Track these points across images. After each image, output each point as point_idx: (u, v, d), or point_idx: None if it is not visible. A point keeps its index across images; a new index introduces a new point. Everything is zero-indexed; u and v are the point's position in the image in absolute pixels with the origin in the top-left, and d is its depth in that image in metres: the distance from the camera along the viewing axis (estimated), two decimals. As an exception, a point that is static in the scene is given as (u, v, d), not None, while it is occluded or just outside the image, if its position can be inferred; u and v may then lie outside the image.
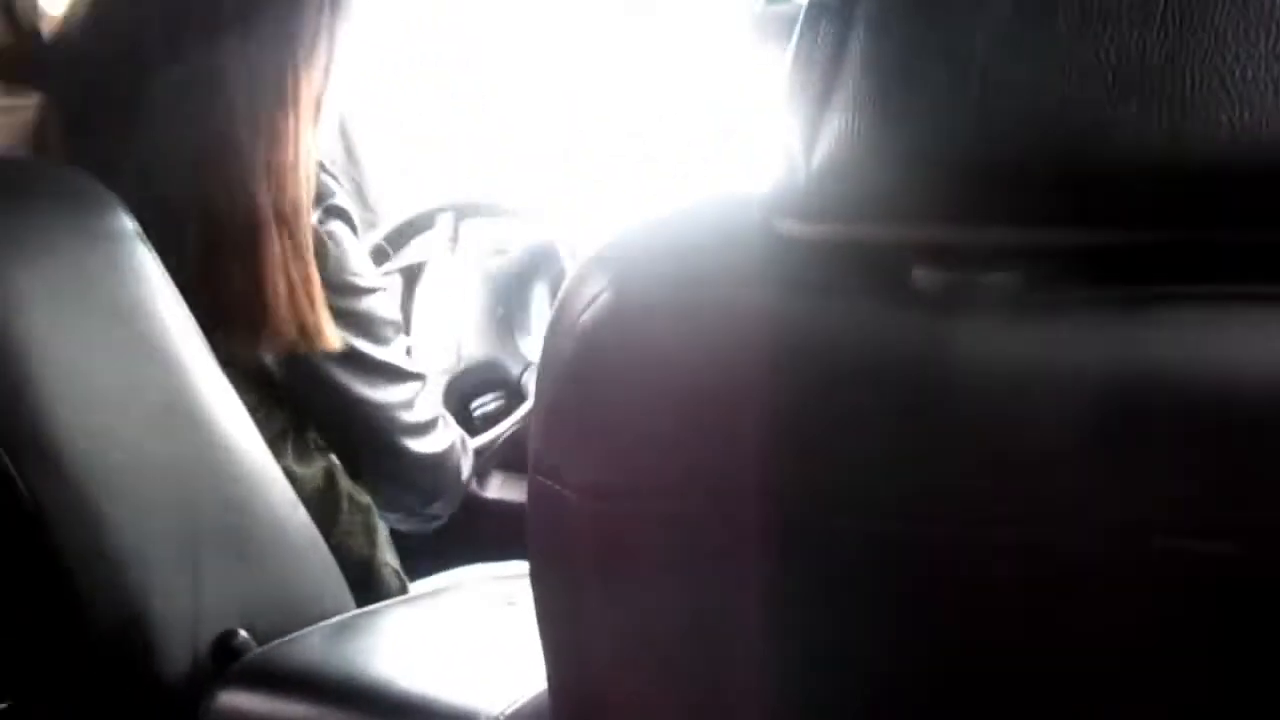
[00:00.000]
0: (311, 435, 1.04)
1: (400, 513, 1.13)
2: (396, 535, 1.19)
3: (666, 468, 0.47)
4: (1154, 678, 0.40)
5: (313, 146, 0.96)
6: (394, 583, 1.10)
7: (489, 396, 1.48)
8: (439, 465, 1.06)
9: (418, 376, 1.04)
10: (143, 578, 0.78)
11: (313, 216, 0.94)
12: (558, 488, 0.49)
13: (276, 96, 0.92)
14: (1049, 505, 0.40)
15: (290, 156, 0.91)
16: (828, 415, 0.44)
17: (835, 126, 0.41)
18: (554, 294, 1.56)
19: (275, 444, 0.92)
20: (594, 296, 0.47)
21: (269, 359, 0.95)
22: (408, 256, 1.77)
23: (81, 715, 0.83)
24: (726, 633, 0.48)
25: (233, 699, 0.77)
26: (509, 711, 0.72)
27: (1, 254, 0.71)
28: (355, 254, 0.98)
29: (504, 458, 1.47)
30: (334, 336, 0.93)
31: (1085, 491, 0.39)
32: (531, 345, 1.48)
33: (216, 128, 0.90)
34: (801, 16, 0.44)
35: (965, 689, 0.43)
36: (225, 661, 0.82)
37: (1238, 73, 0.36)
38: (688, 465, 0.46)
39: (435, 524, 1.25)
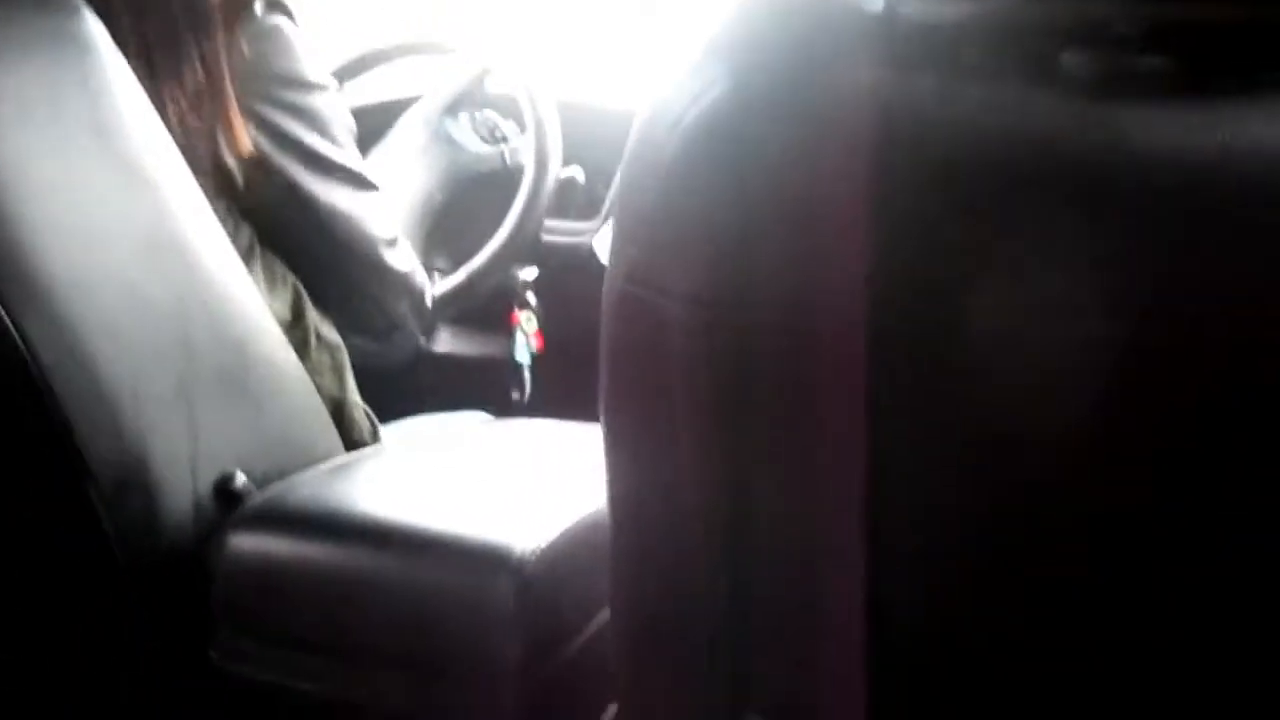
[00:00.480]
0: (277, 261, 0.99)
1: (368, 334, 1.11)
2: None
3: (781, 276, 0.44)
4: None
5: None
6: (365, 424, 1.07)
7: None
8: (408, 281, 1.05)
9: (376, 188, 1.01)
10: (139, 420, 0.74)
11: (255, 8, 0.89)
12: (656, 297, 0.46)
13: None
14: (1233, 290, 0.38)
15: None
16: (973, 209, 0.41)
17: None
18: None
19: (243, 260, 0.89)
20: (703, 90, 0.44)
21: (232, 164, 0.90)
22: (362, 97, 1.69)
23: (85, 565, 0.78)
24: (824, 460, 0.47)
25: (245, 542, 0.74)
26: (543, 546, 0.70)
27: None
28: (301, 48, 0.94)
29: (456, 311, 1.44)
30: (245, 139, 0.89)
31: (1250, 277, 0.38)
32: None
33: None
34: None
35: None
36: (227, 504, 0.78)
37: None
38: (806, 274, 0.43)
39: (401, 353, 1.22)
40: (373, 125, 1.70)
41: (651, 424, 0.50)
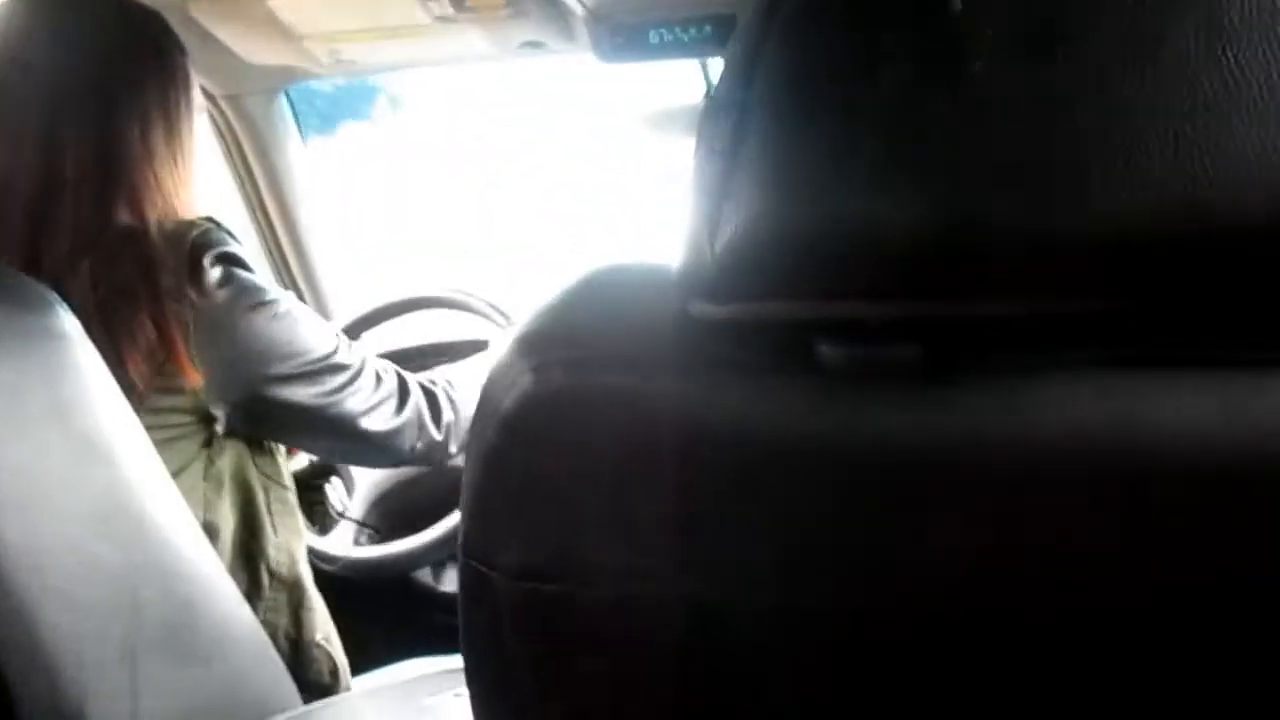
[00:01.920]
0: (254, 496, 1.05)
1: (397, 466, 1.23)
2: (352, 626, 1.19)
3: (590, 550, 0.47)
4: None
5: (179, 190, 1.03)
6: (325, 663, 1.09)
7: None
8: (402, 432, 1.10)
9: (356, 365, 1.07)
10: (79, 680, 0.77)
11: (206, 261, 0.98)
12: (486, 571, 0.50)
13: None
14: (957, 571, 0.41)
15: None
16: (745, 495, 0.45)
17: (736, 210, 0.43)
18: None
19: (212, 495, 0.96)
20: (513, 381, 0.48)
21: (211, 404, 0.99)
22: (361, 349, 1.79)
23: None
24: (655, 715, 0.48)
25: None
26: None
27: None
28: (254, 281, 1.02)
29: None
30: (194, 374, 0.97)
31: (995, 555, 0.41)
32: None
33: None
34: (703, 109, 0.46)
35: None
36: (165, 766, 0.80)
37: (1123, 153, 0.39)
38: (611, 548, 0.47)
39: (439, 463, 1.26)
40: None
41: (496, 685, 0.52)
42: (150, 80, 1.04)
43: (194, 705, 0.84)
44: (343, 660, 1.10)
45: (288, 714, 0.89)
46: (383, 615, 1.54)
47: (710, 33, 1.41)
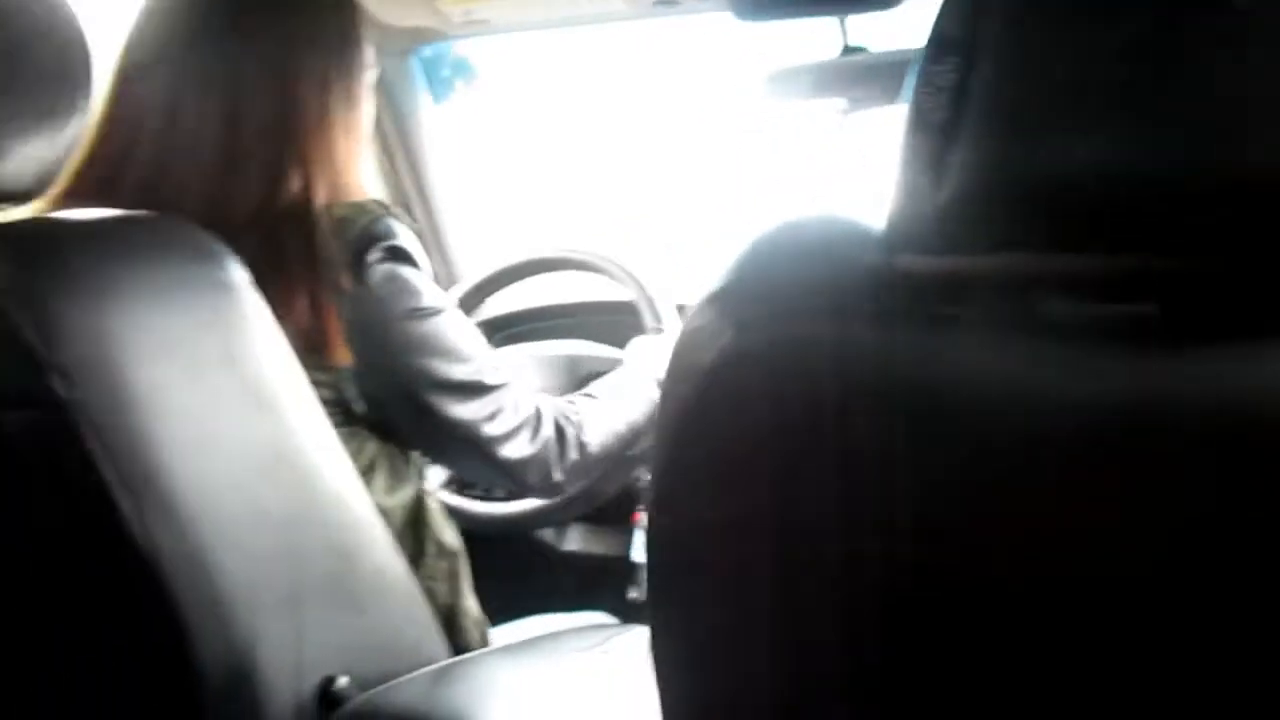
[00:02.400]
0: (400, 465, 1.06)
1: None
2: (474, 582, 1.21)
3: (791, 505, 0.46)
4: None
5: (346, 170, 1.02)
6: (475, 633, 1.10)
7: None
8: (529, 464, 1.08)
9: (499, 387, 1.06)
10: (250, 624, 0.79)
11: (371, 256, 0.97)
12: (682, 525, 0.49)
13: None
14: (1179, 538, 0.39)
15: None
16: (957, 451, 0.43)
17: (964, 157, 0.41)
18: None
19: (366, 475, 0.95)
20: (714, 337, 0.47)
21: (349, 391, 0.98)
22: (488, 311, 1.81)
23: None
24: (848, 673, 0.47)
25: (339, 746, 0.78)
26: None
27: (123, 308, 0.73)
28: (417, 284, 1.01)
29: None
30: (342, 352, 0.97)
31: (1219, 522, 0.39)
32: None
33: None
34: (925, 50, 0.44)
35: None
36: (328, 706, 0.82)
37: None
38: (814, 504, 0.46)
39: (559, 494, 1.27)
40: (516, 332, 1.82)
41: (684, 635, 0.52)
42: (331, 43, 1.02)
43: (353, 651, 0.86)
44: (487, 632, 1.12)
45: (441, 664, 0.91)
46: (504, 572, 1.56)
47: (851, -13, 1.37)
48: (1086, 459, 0.41)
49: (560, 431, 1.11)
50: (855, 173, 1.53)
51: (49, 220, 0.77)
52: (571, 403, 1.17)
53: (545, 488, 1.11)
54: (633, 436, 1.23)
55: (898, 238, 0.45)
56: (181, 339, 0.76)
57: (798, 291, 0.47)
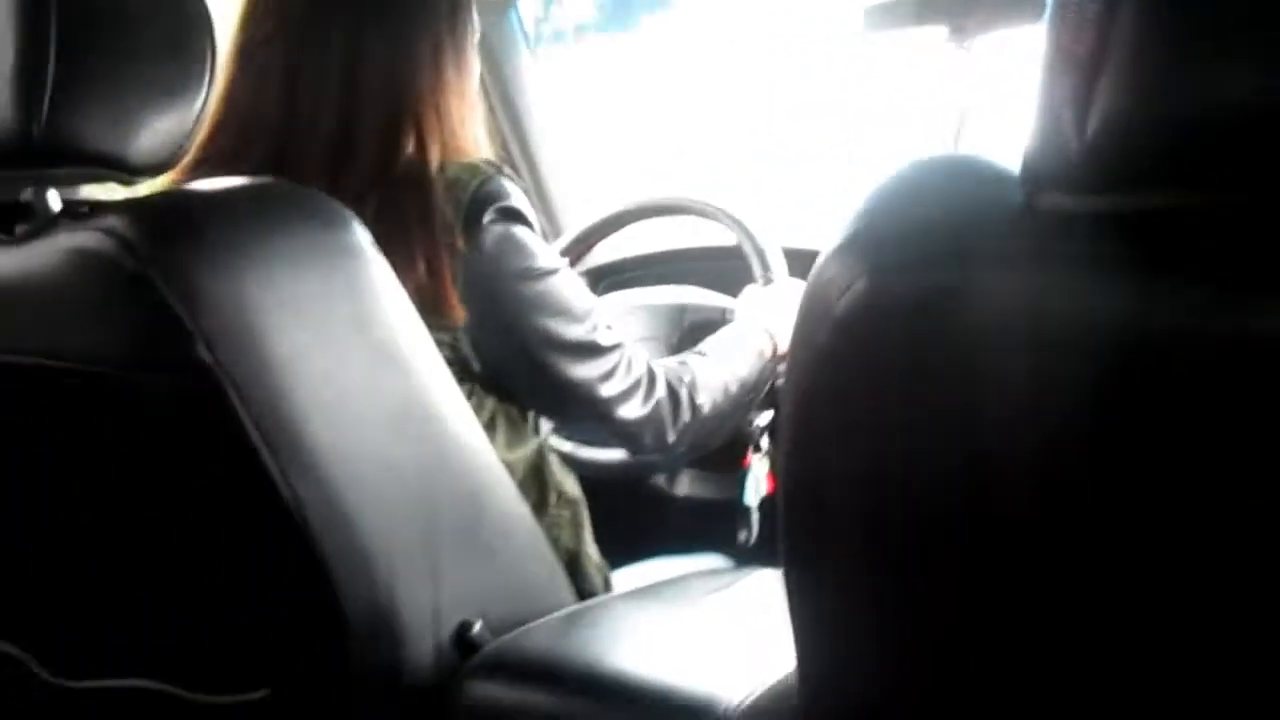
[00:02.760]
0: (519, 420, 1.08)
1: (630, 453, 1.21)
2: (593, 529, 1.23)
3: (930, 454, 0.46)
4: None
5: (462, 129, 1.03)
6: (598, 578, 1.13)
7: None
8: (644, 425, 1.09)
9: (613, 348, 1.07)
10: (389, 571, 0.83)
11: (486, 218, 0.98)
12: (817, 474, 0.49)
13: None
14: None
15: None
16: (1103, 398, 0.42)
17: (1112, 93, 0.40)
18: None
19: (485, 431, 0.96)
20: (848, 284, 0.47)
21: (467, 349, 1.00)
22: (592, 259, 1.82)
23: (334, 703, 0.88)
24: (980, 619, 0.47)
25: (480, 689, 0.81)
26: (748, 701, 0.72)
27: (258, 276, 0.76)
28: (531, 244, 1.02)
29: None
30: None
31: None
32: None
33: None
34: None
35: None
36: (465, 650, 0.86)
37: None
38: (954, 452, 0.45)
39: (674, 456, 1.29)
40: (621, 279, 1.83)
41: (820, 584, 0.52)
42: (441, 7, 1.02)
43: (486, 596, 0.89)
44: (609, 576, 1.14)
45: (570, 609, 0.94)
46: (621, 517, 1.59)
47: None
48: (1244, 413, 0.39)
49: (673, 392, 1.12)
50: (969, 106, 1.48)
51: (184, 192, 0.80)
52: (683, 363, 1.18)
53: (659, 448, 1.11)
54: (744, 394, 1.23)
55: (1039, 176, 0.44)
56: (314, 304, 0.79)
57: (935, 236, 0.46)
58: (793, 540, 0.53)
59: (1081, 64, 0.41)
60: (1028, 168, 0.45)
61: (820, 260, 0.50)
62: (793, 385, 0.51)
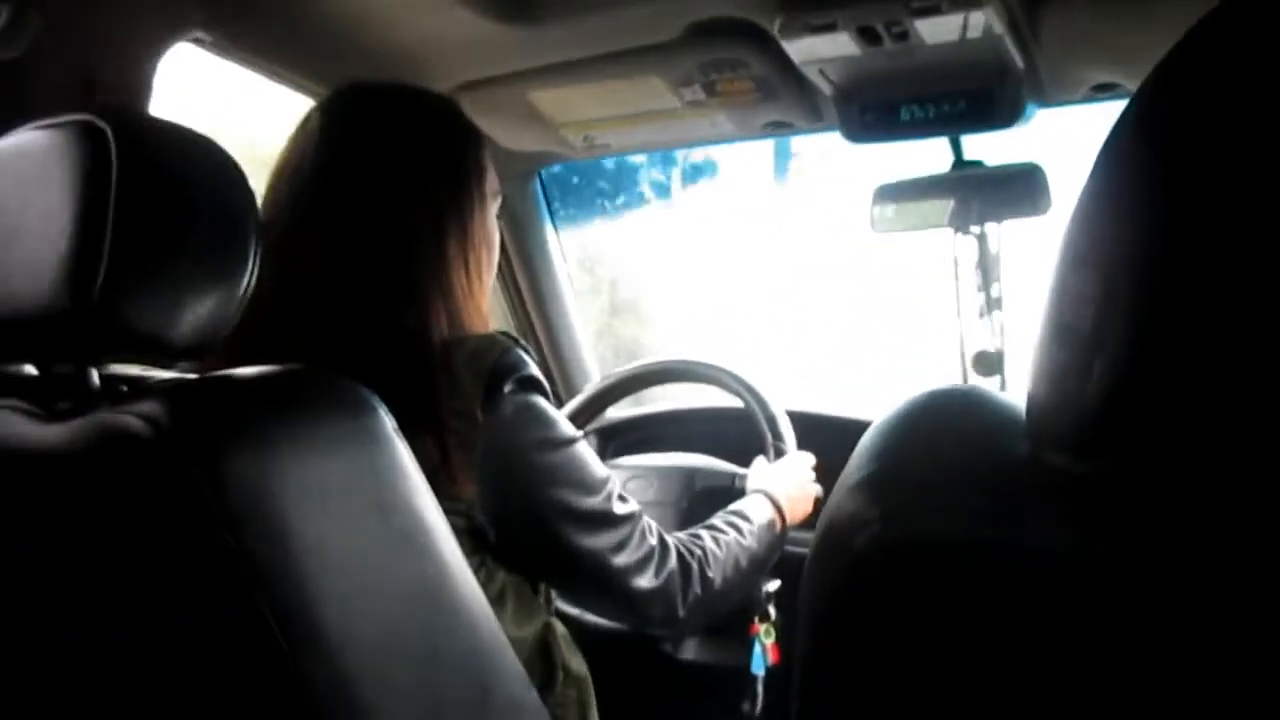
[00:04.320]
0: (529, 596, 1.08)
1: (639, 630, 1.21)
2: (596, 698, 1.22)
3: (941, 700, 0.47)
4: None
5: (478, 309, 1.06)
6: None
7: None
8: (655, 597, 1.09)
9: (627, 518, 1.08)
10: (395, 756, 0.82)
11: (506, 388, 1.00)
12: (831, 708, 0.50)
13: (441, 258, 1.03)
14: None
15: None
16: (1118, 672, 0.43)
17: (1111, 366, 0.42)
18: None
19: (495, 606, 0.96)
20: (864, 524, 0.49)
21: (480, 519, 1.01)
22: (601, 420, 1.85)
23: None
24: None
25: None
26: None
27: (285, 462, 0.78)
28: (549, 415, 1.04)
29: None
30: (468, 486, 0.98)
31: None
32: None
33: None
34: (1061, 257, 0.46)
35: None
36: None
37: None
38: (962, 702, 0.46)
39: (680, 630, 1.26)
40: (630, 440, 1.85)
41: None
42: (441, 178, 1.06)
43: (490, 787, 0.88)
44: None
45: (573, 799, 0.92)
46: (624, 683, 1.57)
47: (965, 108, 1.39)
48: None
49: (685, 565, 1.12)
50: (968, 291, 1.53)
51: (219, 379, 0.83)
52: (696, 535, 1.19)
53: (667, 622, 1.12)
54: (754, 571, 1.24)
55: (1043, 435, 0.46)
56: (338, 490, 0.81)
57: (948, 486, 0.48)
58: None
59: (1083, 340, 0.43)
60: (1033, 424, 0.47)
61: (838, 494, 0.52)
62: (810, 621, 0.52)
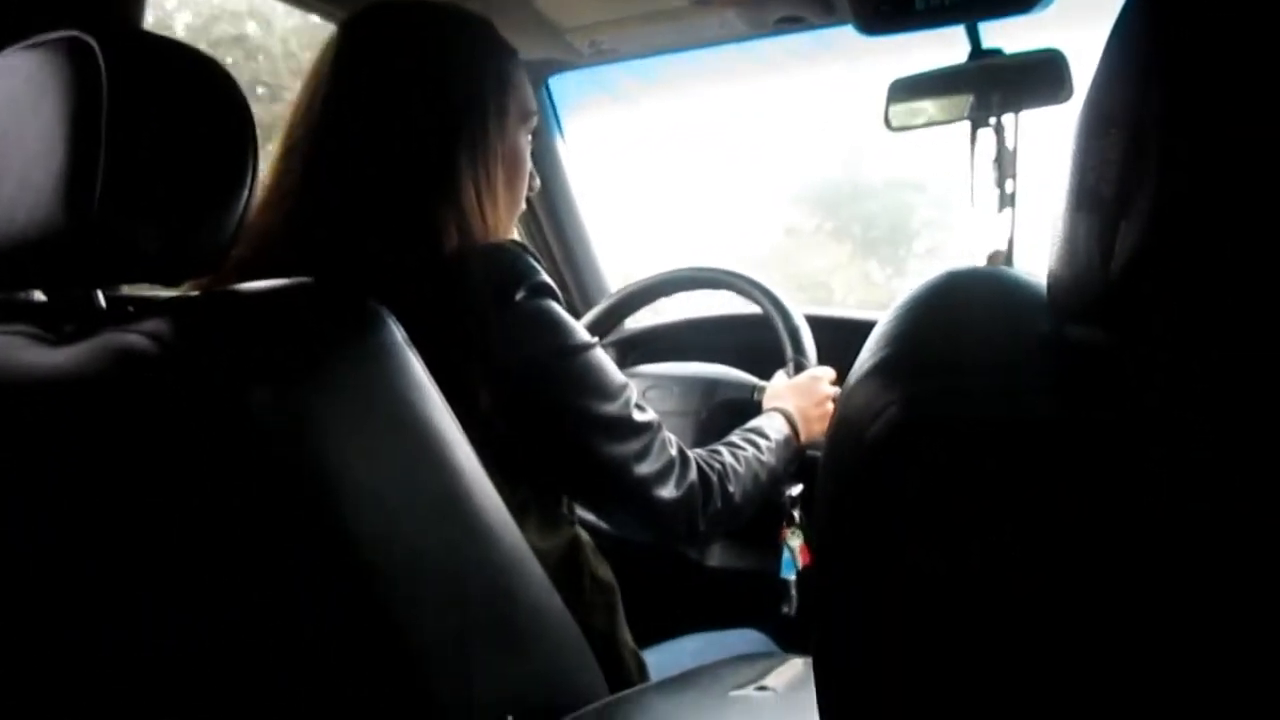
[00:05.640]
0: (552, 507, 1.07)
1: (659, 544, 1.19)
2: (625, 604, 1.22)
3: (958, 585, 0.46)
4: None
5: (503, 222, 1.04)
6: (632, 663, 1.12)
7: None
8: (678, 508, 1.08)
9: (646, 427, 1.06)
10: (423, 671, 0.83)
11: (518, 295, 0.98)
12: (846, 595, 0.49)
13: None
14: None
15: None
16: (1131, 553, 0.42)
17: (1138, 234, 0.40)
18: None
19: (519, 519, 0.96)
20: (880, 410, 0.47)
21: (499, 428, 1.00)
22: (620, 331, 1.83)
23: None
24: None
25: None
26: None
27: (297, 379, 0.77)
28: (564, 322, 1.02)
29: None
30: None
31: None
32: None
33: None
34: (1083, 118, 0.43)
35: None
36: (499, 749, 0.85)
37: None
38: (979, 585, 0.45)
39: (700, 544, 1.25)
40: (651, 350, 1.84)
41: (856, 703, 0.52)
42: (456, 85, 1.03)
43: (519, 691, 0.88)
44: (644, 661, 1.13)
45: (603, 701, 0.93)
46: (653, 591, 1.58)
47: (983, -7, 1.33)
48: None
49: (705, 478, 1.11)
50: (986, 186, 1.49)
51: (224, 295, 0.82)
52: (715, 451, 1.18)
53: (689, 536, 1.11)
54: (773, 485, 1.23)
55: (1066, 307, 0.44)
56: (352, 404, 0.80)
57: (968, 367, 0.46)
58: (824, 649, 0.53)
59: (1107, 205, 0.41)
60: (1055, 299, 0.45)
61: (851, 382, 0.51)
62: (825, 507, 0.51)
